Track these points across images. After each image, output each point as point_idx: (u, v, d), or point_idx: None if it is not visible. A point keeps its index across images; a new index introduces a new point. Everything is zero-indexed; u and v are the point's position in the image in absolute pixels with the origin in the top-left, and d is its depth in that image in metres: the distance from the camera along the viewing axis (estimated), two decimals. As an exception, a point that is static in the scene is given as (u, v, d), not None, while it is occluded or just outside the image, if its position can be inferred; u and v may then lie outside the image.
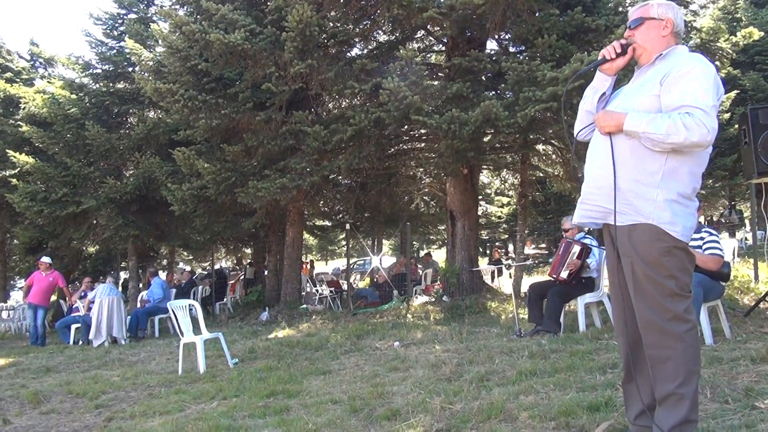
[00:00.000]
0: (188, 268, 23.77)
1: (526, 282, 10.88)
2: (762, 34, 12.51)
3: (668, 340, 2.43)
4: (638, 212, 2.47)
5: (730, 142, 15.19)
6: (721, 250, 5.43)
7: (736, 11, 20.15)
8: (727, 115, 14.09)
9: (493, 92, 10.04)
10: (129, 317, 11.16)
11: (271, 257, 16.23)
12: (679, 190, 2.46)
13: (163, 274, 20.56)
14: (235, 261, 29.58)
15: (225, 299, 15.79)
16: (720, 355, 4.36)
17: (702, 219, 25.15)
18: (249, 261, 21.34)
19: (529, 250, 22.28)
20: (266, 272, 16.74)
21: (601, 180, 2.57)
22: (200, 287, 15.29)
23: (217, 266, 22.46)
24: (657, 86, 2.47)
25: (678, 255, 2.46)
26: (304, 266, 18.85)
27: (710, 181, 16.68)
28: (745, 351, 4.39)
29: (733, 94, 14.27)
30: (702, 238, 5.38)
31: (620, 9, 9.97)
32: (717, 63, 10.28)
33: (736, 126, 10.21)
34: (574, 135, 2.89)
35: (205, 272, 22.94)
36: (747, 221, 20.86)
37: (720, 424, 2.94)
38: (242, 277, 19.21)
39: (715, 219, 23.91)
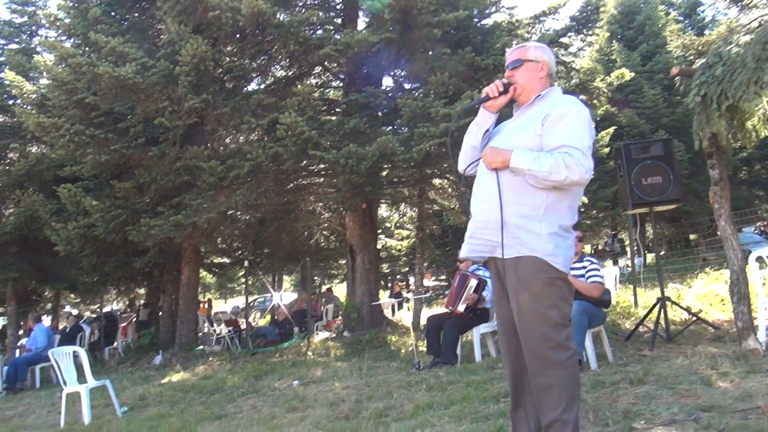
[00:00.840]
0: (75, 312, 22.39)
1: (426, 314, 11.02)
2: (633, 74, 13.52)
3: (551, 368, 2.52)
4: (523, 245, 2.57)
5: (610, 175, 16.19)
6: (602, 277, 5.74)
7: (612, 53, 21.71)
8: (606, 150, 15.03)
9: (390, 128, 10.26)
10: (6, 367, 10.31)
11: (165, 297, 15.57)
12: (560, 223, 2.58)
13: (47, 319, 19.27)
14: (128, 302, 28.16)
15: (115, 343, 14.95)
16: (603, 379, 4.58)
17: (588, 248, 26.59)
18: (142, 302, 20.39)
19: (428, 282, 22.61)
20: (161, 313, 16.04)
21: (488, 214, 2.64)
22: (88, 332, 14.42)
23: (107, 308, 21.31)
24: (539, 126, 2.60)
25: (560, 285, 2.58)
26: (202, 306, 18.21)
27: (594, 211, 17.66)
28: (625, 374, 4.64)
29: (611, 130, 15.25)
30: (584, 267, 5.67)
31: (507, 49, 10.49)
32: (595, 101, 11.01)
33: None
34: (461, 170, 2.96)
35: (94, 315, 21.68)
36: (628, 249, 22.19)
37: (602, 446, 3.07)
38: (134, 319, 18.30)
39: (600, 247, 25.28)
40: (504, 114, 2.95)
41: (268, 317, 19.31)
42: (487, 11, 11.71)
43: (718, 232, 5.62)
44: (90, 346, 13.75)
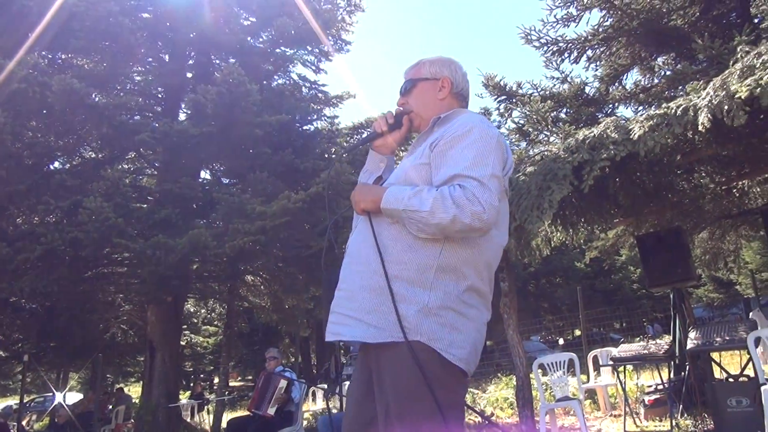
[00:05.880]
0: None
1: (228, 418, 10.50)
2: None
3: None
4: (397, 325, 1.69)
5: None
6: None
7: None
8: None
9: (203, 221, 10.05)
10: None
11: None
12: (459, 293, 1.75)
13: None
14: None
15: None
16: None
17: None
18: None
19: (234, 382, 21.70)
20: None
21: (359, 279, 1.82)
22: None
23: None
24: (427, 152, 1.85)
25: (446, 385, 1.70)
26: (-36, 406, 15.77)
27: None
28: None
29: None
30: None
31: (326, 155, 10.95)
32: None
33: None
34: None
35: None
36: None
37: None
38: None
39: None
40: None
41: (47, 420, 17.17)
42: (309, 117, 12.25)
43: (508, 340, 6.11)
44: None
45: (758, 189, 7.46)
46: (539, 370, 6.59)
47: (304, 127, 12.20)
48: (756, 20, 6.14)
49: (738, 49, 4.55)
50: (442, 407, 1.63)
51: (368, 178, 2.09)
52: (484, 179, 1.71)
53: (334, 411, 8.61)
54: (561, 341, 20.56)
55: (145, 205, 10.54)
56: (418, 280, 1.73)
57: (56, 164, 11.52)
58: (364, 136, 1.87)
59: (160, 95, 12.05)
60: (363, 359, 1.88)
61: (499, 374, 12.31)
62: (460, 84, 2.10)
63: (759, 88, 3.58)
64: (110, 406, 14.24)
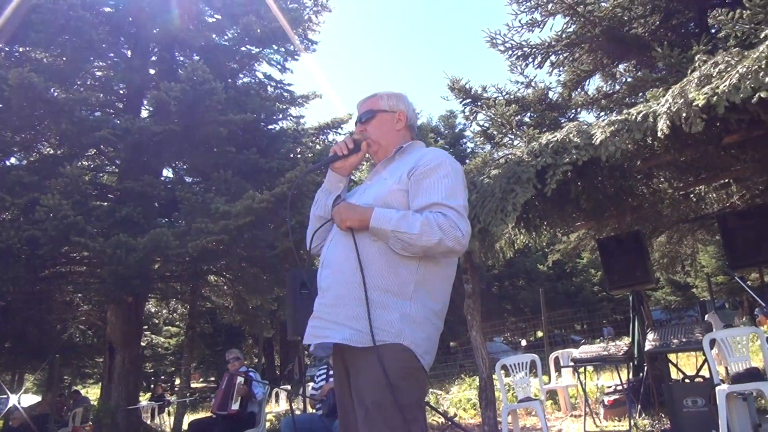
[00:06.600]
0: None
1: (190, 419, 10.35)
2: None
3: None
4: (385, 330, 1.96)
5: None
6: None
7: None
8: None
9: (166, 220, 9.89)
10: None
11: None
12: (432, 306, 2.05)
13: None
14: None
15: None
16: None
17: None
18: None
19: (196, 383, 21.40)
20: None
21: (342, 288, 2.04)
22: None
23: None
24: (404, 180, 2.10)
25: (419, 379, 2.01)
26: None
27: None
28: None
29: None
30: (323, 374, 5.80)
31: (291, 155, 10.88)
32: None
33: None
34: (309, 248, 2.35)
35: None
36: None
37: None
38: None
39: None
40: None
41: (1, 423, 16.69)
42: (274, 117, 12.17)
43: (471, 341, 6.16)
44: None
45: (714, 195, 7.65)
46: (502, 371, 6.65)
47: (270, 127, 12.11)
48: (713, 30, 6.30)
49: (696, 58, 4.66)
50: (418, 403, 1.98)
51: (327, 196, 2.32)
52: (460, 209, 2.01)
53: (298, 412, 8.56)
54: (524, 342, 20.80)
55: (106, 203, 10.33)
56: (399, 292, 1.99)
57: (13, 160, 11.21)
58: (325, 158, 2.21)
59: (121, 91, 11.82)
60: (340, 368, 2.11)
61: (462, 375, 12.40)
62: (413, 118, 2.40)
63: (715, 97, 3.67)
64: (65, 408, 13.92)
